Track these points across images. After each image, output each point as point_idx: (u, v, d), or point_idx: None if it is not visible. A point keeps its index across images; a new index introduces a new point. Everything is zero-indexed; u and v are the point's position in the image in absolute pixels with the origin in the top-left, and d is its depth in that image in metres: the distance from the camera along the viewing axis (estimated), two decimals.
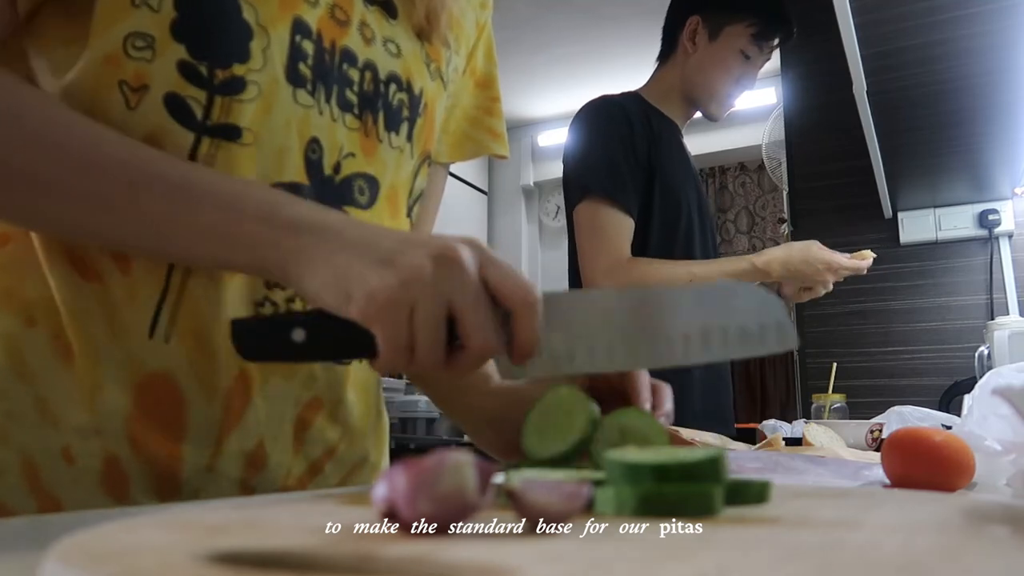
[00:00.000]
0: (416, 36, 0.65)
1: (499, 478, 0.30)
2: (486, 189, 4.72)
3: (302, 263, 0.45)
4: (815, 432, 0.93)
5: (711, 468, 0.34)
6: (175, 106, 0.52)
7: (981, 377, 0.73)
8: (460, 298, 0.42)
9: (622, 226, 1.34)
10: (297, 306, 0.57)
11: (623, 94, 1.50)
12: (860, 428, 1.04)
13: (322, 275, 0.44)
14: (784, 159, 2.53)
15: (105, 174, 0.47)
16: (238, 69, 0.53)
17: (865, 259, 1.38)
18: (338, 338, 0.44)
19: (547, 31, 3.48)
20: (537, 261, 4.66)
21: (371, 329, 0.43)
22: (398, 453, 0.70)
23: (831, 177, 2.37)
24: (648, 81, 1.54)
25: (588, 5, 3.27)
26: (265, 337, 0.45)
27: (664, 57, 1.52)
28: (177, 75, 0.51)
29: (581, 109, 1.46)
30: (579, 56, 3.73)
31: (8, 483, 0.51)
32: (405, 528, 0.27)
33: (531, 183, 4.71)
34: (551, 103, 4.28)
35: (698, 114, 1.53)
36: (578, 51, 3.68)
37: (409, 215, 0.68)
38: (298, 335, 0.44)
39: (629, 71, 3.93)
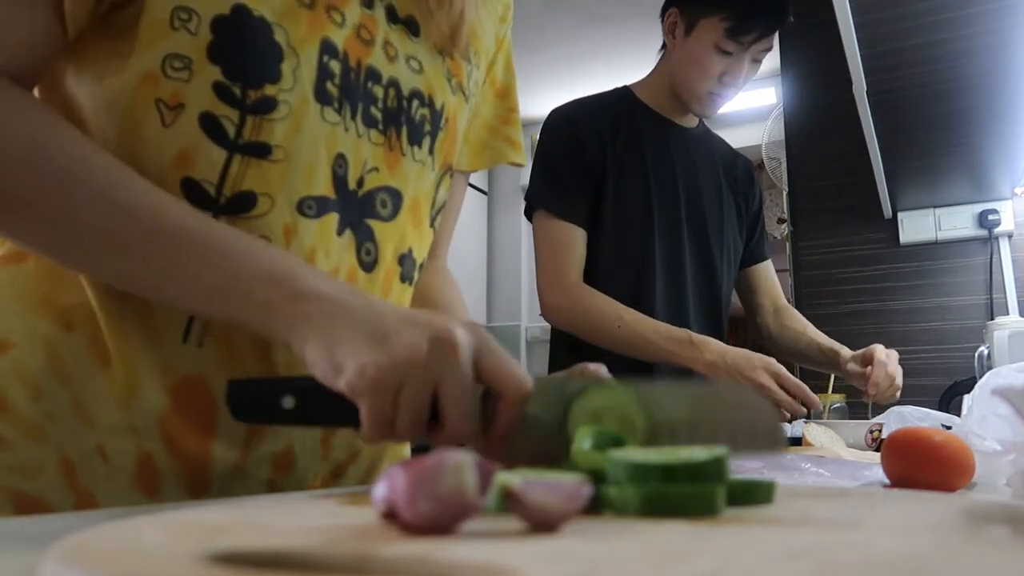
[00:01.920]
0: (438, 52, 0.67)
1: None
2: (486, 189, 4.72)
3: (304, 330, 0.46)
4: (815, 432, 0.93)
5: (716, 468, 0.34)
6: (209, 125, 0.53)
7: (981, 377, 0.73)
8: (448, 384, 0.43)
9: (570, 239, 1.35)
10: None
11: (601, 92, 1.49)
12: (860, 428, 1.04)
13: (320, 345, 0.45)
14: (784, 159, 2.53)
15: (128, 220, 0.48)
16: (269, 89, 0.54)
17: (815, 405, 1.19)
18: (326, 408, 0.46)
19: (547, 31, 3.47)
20: None
21: (356, 403, 0.44)
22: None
23: (831, 177, 2.37)
24: (647, 74, 1.50)
25: (588, 5, 3.27)
26: (257, 401, 0.47)
27: (662, 50, 1.48)
28: (212, 95, 0.53)
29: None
30: (579, 56, 3.72)
31: (47, 479, 0.53)
32: (405, 528, 0.27)
33: None
34: (551, 103, 4.26)
35: None
36: (578, 51, 3.67)
37: (432, 225, 0.70)
38: (288, 403, 0.46)
39: (628, 71, 3.92)
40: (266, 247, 0.51)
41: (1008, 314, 2.08)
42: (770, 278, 1.58)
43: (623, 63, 3.68)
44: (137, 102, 0.53)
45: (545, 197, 1.38)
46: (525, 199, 1.42)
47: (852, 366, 1.34)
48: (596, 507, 0.33)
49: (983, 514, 0.33)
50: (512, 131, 0.82)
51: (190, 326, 0.54)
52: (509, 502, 0.28)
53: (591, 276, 1.35)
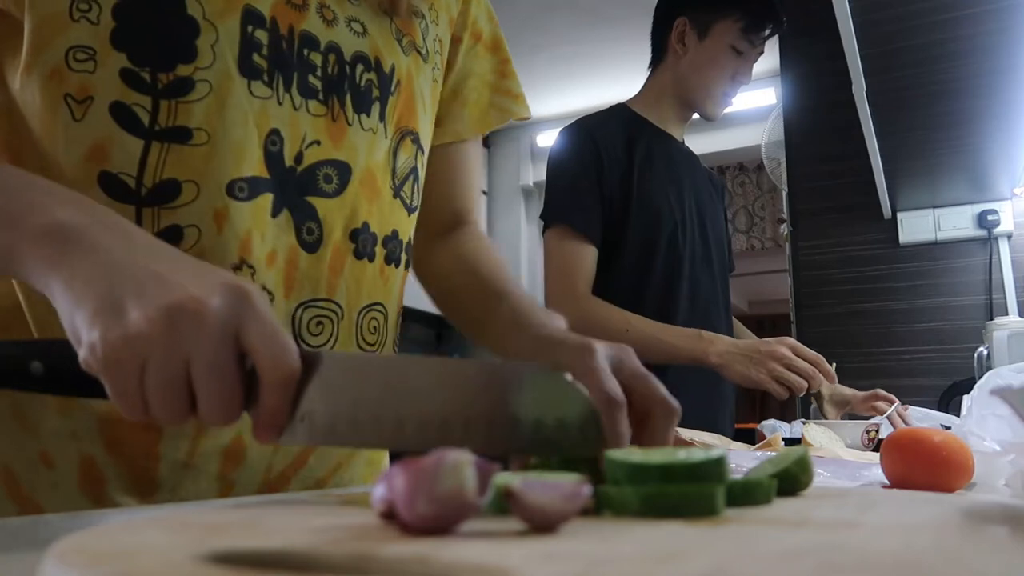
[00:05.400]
0: (383, 12, 0.64)
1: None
2: (486, 189, 4.72)
3: (51, 281, 0.39)
4: (814, 432, 0.93)
5: (715, 468, 0.34)
6: (121, 114, 0.51)
7: (980, 377, 0.73)
8: (196, 363, 0.36)
9: (583, 255, 1.35)
10: (245, 274, 0.54)
11: (606, 110, 1.50)
12: (859, 428, 1.04)
13: (64, 302, 0.38)
14: (784, 159, 2.53)
15: None
16: (183, 70, 0.52)
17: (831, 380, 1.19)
18: (79, 378, 0.39)
19: (547, 31, 3.47)
20: (537, 261, 4.66)
21: (100, 379, 0.37)
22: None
23: (831, 177, 2.37)
24: (640, 90, 1.53)
25: (588, 5, 3.27)
26: (2, 364, 0.40)
27: (654, 64, 1.52)
28: (120, 83, 0.51)
29: (559, 133, 1.47)
30: (579, 56, 3.72)
31: None
32: (404, 528, 0.27)
33: (531, 183, 4.70)
34: (551, 103, 4.27)
35: (695, 116, 1.52)
36: (578, 51, 3.67)
37: (398, 196, 0.66)
38: (36, 368, 0.39)
39: (629, 72, 3.93)
40: (11, 177, 0.44)
41: (1007, 314, 2.08)
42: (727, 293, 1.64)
43: (623, 63, 3.68)
44: (46, 100, 0.51)
45: (565, 214, 1.38)
46: (541, 218, 1.41)
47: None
48: (596, 507, 0.33)
49: (982, 514, 0.33)
50: (511, 83, 0.79)
51: None
52: (508, 502, 0.28)
53: (613, 292, 1.36)
